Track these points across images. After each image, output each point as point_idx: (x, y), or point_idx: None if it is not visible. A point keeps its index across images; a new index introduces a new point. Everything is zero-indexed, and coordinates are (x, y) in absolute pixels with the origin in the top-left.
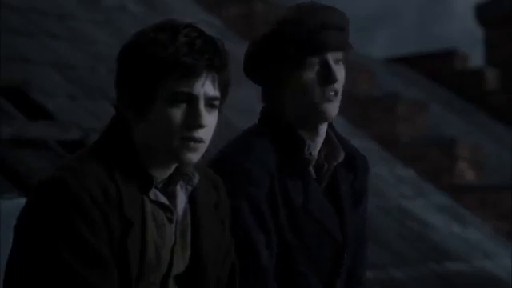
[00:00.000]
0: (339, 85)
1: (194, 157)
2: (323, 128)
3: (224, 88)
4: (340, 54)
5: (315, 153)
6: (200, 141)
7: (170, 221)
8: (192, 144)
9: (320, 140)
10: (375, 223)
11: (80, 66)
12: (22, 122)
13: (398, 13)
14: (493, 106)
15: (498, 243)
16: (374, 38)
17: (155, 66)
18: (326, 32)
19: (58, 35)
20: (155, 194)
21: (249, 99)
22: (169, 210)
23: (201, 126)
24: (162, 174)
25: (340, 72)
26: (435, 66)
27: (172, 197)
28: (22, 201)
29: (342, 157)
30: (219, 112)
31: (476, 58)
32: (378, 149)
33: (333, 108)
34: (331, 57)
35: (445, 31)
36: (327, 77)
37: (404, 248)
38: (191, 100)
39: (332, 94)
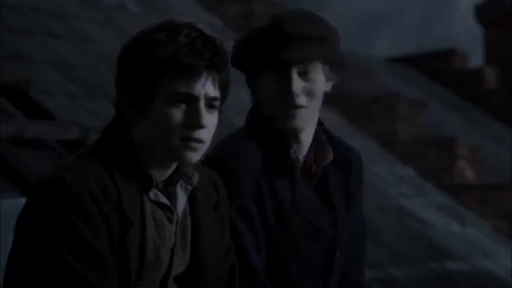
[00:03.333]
0: (301, 100)
1: (194, 157)
2: (304, 134)
3: (224, 88)
4: (307, 66)
5: (302, 155)
6: (200, 141)
7: (170, 221)
8: (192, 144)
9: (305, 143)
10: (375, 222)
11: (80, 66)
12: (22, 122)
13: (401, 12)
14: (492, 106)
15: (498, 242)
16: (378, 37)
17: (155, 66)
18: (289, 45)
19: (58, 34)
20: (155, 193)
21: (247, 99)
22: (169, 209)
23: (201, 127)
24: (161, 174)
25: (304, 84)
26: (435, 66)
27: (172, 197)
28: (22, 200)
29: (330, 157)
30: (219, 112)
31: (476, 57)
32: (378, 148)
33: (298, 123)
34: (295, 69)
35: (448, 31)
36: (285, 90)
37: (403, 247)
38: (191, 100)
39: (291, 108)
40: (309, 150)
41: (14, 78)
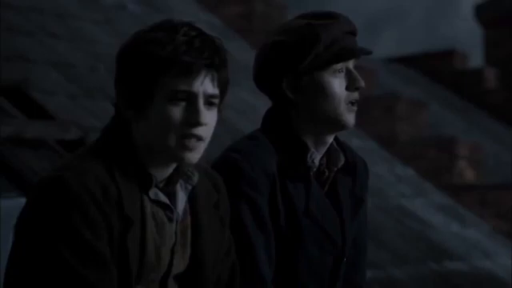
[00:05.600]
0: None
1: (194, 156)
2: (331, 137)
3: (223, 86)
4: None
5: (317, 160)
6: (200, 139)
7: (170, 220)
8: (192, 143)
9: (324, 148)
10: (375, 222)
11: (80, 66)
12: (22, 122)
13: (404, 12)
14: (492, 105)
15: (498, 242)
16: (381, 37)
17: (154, 65)
18: (349, 38)
19: (58, 34)
20: (155, 193)
21: (248, 99)
22: (169, 209)
23: (200, 124)
24: (161, 174)
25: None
26: (435, 65)
27: (172, 196)
28: (22, 200)
29: (342, 162)
30: (218, 111)
31: (476, 57)
32: (378, 148)
33: (353, 117)
34: (351, 63)
35: (451, 31)
36: (354, 82)
37: (403, 247)
38: (190, 98)
39: (355, 101)
40: (322, 156)
41: (13, 78)
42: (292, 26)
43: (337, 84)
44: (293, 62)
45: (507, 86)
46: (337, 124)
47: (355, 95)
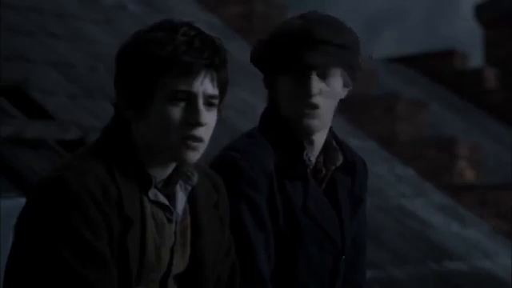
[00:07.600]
0: (317, 100)
1: (194, 156)
2: (317, 136)
3: (223, 86)
4: (328, 70)
5: (313, 158)
6: (200, 139)
7: (170, 220)
8: (191, 143)
9: (318, 146)
10: (375, 222)
11: (80, 66)
12: (22, 122)
13: (404, 12)
14: (492, 105)
15: (498, 242)
16: (381, 37)
17: (154, 65)
18: (314, 49)
19: (58, 34)
20: (155, 193)
21: (248, 99)
22: (168, 209)
23: (200, 124)
24: (161, 174)
25: (322, 86)
26: (435, 65)
27: (171, 196)
28: (22, 200)
29: (340, 161)
30: (218, 111)
31: (476, 57)
32: (378, 148)
33: (313, 122)
34: (316, 72)
35: (451, 31)
36: (304, 91)
37: (403, 247)
38: (190, 98)
39: (308, 108)
40: (319, 154)
41: (13, 78)
42: (279, 26)
43: (293, 87)
44: (269, 61)
45: (507, 86)
46: (300, 125)
47: (307, 104)
